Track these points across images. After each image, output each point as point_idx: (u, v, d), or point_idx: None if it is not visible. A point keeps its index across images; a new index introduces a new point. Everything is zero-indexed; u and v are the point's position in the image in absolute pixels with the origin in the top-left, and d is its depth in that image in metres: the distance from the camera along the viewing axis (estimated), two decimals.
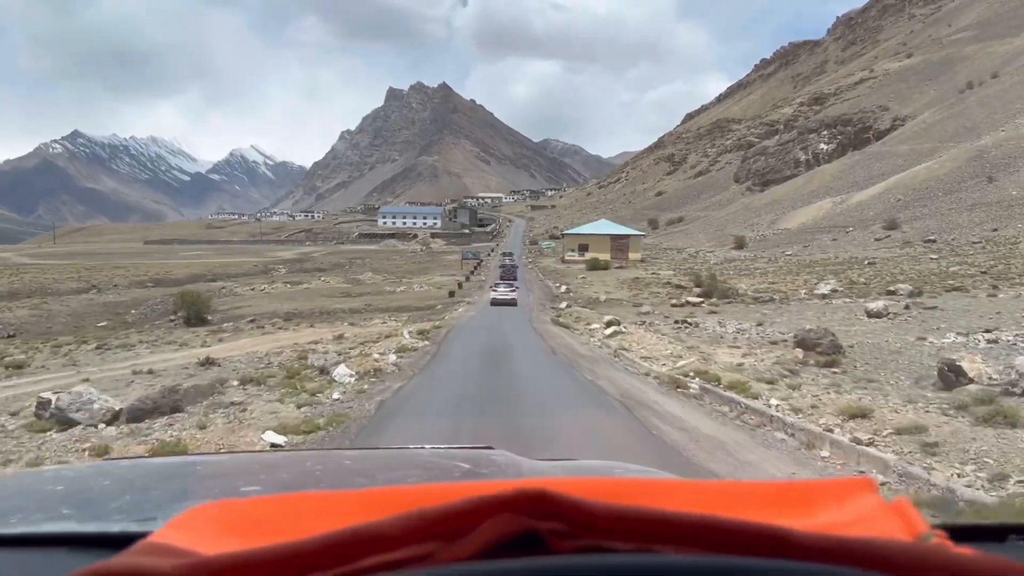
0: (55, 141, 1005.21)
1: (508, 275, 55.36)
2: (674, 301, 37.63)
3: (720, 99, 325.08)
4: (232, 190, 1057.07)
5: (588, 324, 28.50)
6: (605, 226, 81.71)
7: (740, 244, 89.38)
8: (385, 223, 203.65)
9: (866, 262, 56.70)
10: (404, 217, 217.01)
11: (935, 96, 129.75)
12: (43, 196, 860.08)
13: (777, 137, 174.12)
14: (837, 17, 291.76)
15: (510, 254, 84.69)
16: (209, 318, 40.02)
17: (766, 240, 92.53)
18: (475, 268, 73.59)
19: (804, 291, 39.05)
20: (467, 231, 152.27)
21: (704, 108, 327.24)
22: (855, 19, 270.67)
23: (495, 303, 40.52)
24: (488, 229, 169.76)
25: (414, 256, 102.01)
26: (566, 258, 78.23)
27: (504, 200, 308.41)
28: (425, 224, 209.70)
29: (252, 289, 56.25)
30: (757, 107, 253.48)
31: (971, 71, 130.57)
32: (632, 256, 75.68)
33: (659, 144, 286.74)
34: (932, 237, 67.64)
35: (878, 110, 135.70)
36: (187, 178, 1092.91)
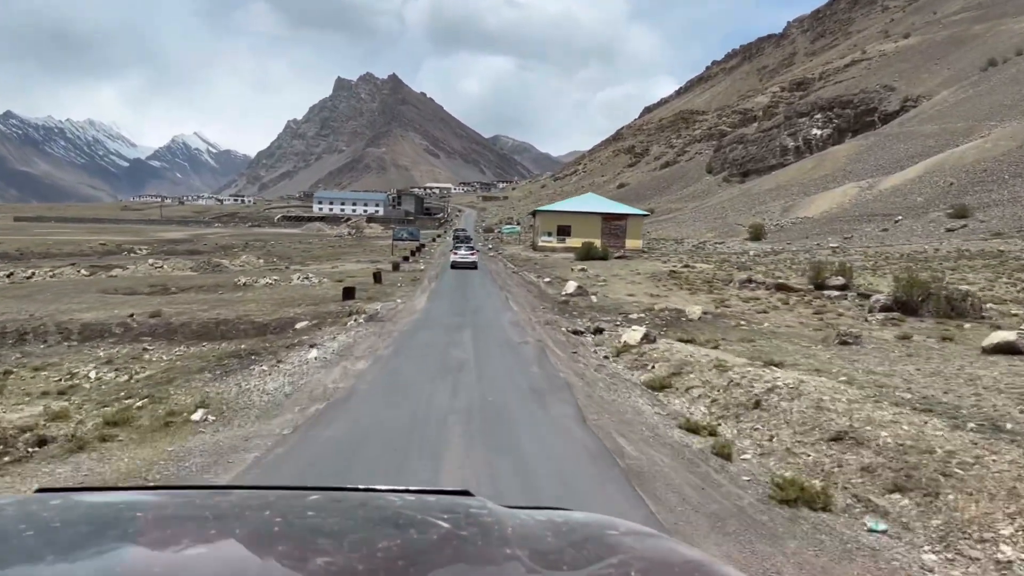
0: None
1: (464, 241, 48.74)
2: (846, 320, 15.76)
3: (680, 92, 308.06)
4: (173, 177, 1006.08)
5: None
6: (593, 202, 59.20)
7: (757, 234, 68.43)
8: (321, 209, 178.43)
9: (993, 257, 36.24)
10: (343, 203, 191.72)
11: (951, 75, 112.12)
12: None
13: (756, 125, 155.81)
14: (788, 22, 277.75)
15: (463, 230, 67.40)
16: None
17: (786, 230, 72.05)
18: (414, 253, 50.59)
19: None
20: (411, 218, 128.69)
21: (664, 101, 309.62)
22: (822, 13, 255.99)
23: (456, 266, 39.31)
24: (436, 216, 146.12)
25: (338, 240, 78.39)
26: (540, 244, 55.58)
27: (453, 191, 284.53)
28: (366, 211, 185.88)
29: (31, 276, 32.43)
30: (723, 98, 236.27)
31: (988, 49, 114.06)
32: (631, 243, 53.52)
33: (617, 136, 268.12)
34: None
35: (882, 90, 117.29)
36: (126, 164, 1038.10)
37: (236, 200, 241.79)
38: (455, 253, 40.95)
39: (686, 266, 37.78)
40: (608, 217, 54.87)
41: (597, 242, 49.96)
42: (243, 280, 26.59)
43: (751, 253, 49.57)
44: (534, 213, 61.71)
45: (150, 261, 35.48)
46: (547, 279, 31.09)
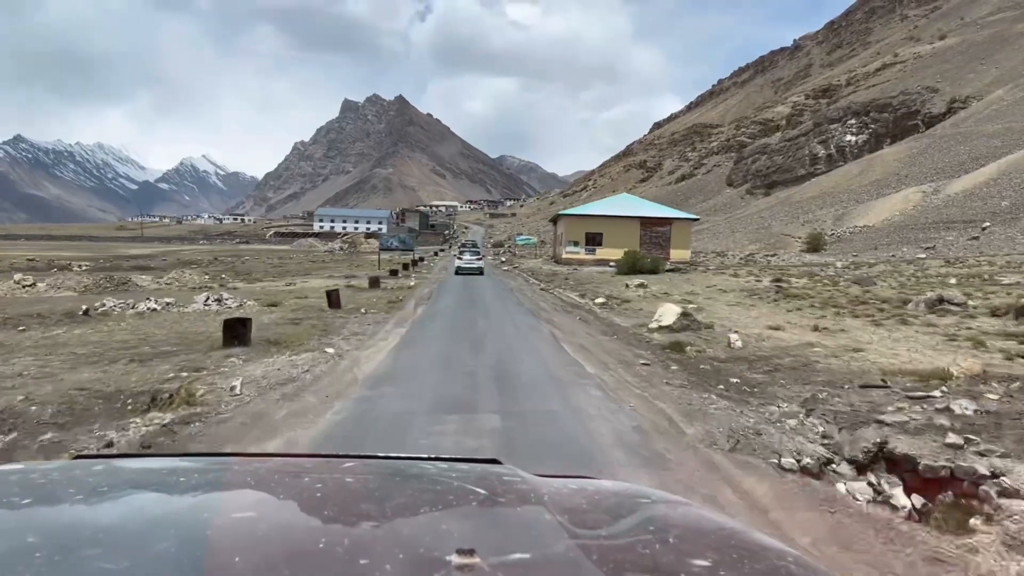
0: None
1: (470, 247, 46.31)
2: None
3: (691, 107, 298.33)
4: (181, 200, 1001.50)
5: None
6: (629, 204, 48.32)
7: (815, 245, 57.67)
8: (323, 226, 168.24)
9: None
10: (344, 221, 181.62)
11: (1001, 74, 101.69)
12: None
13: (780, 134, 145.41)
14: (794, 40, 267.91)
15: (471, 241, 60.78)
16: None
17: (845, 240, 61.11)
18: (406, 266, 39.77)
19: None
20: (415, 235, 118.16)
21: (673, 116, 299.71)
22: (837, 24, 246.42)
23: (460, 272, 37.10)
24: (441, 233, 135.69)
25: (326, 256, 67.78)
26: (565, 255, 44.68)
27: (460, 209, 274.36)
28: (368, 228, 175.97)
29: None
30: (737, 111, 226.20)
31: None
32: (677, 254, 42.67)
33: (628, 152, 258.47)
34: None
35: (925, 92, 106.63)
36: (135, 187, 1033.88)
37: (236, 219, 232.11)
38: (459, 259, 38.66)
39: (779, 280, 26.84)
40: (648, 222, 44.04)
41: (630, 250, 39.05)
42: (102, 306, 15.72)
43: (839, 265, 38.55)
44: (555, 219, 50.97)
45: (16, 277, 24.60)
46: (599, 299, 20.26)
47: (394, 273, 34.07)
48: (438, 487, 1.45)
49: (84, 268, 45.64)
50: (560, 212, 50.77)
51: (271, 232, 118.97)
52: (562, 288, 25.57)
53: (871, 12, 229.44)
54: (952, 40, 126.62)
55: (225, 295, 18.32)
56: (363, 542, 1.11)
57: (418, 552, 1.07)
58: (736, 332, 11.69)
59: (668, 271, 34.93)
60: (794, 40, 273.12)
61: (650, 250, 42.04)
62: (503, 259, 53.32)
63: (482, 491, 1.39)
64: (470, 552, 1.02)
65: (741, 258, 56.59)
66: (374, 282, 25.52)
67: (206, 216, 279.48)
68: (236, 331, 10.41)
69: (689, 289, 23.79)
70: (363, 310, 17.29)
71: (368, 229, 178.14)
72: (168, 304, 17.50)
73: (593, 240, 43.95)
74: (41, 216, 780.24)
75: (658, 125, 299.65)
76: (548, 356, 10.68)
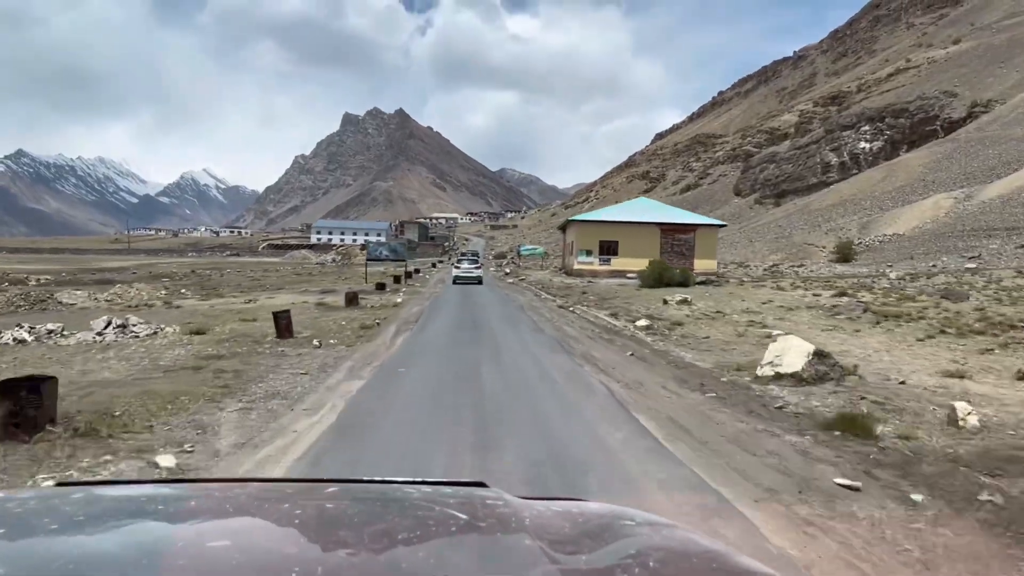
0: None
1: (469, 255, 44.94)
2: None
3: (693, 118, 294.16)
4: (182, 213, 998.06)
5: None
6: (647, 208, 43.39)
7: (845, 255, 52.90)
8: (320, 239, 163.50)
9: None
10: (342, 233, 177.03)
11: (1023, 77, 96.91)
12: None
13: (788, 143, 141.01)
14: (795, 51, 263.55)
15: (473, 251, 57.44)
16: None
17: (876, 249, 56.24)
18: (398, 280, 34.80)
19: None
20: (413, 246, 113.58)
21: (675, 128, 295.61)
22: (842, 33, 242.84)
23: (458, 281, 35.65)
24: (441, 244, 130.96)
25: (316, 268, 62.98)
26: (577, 266, 39.76)
27: (460, 221, 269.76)
28: (367, 240, 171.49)
29: None
30: (741, 121, 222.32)
31: None
32: (702, 264, 37.78)
33: (630, 163, 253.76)
34: None
35: (942, 96, 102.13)
36: (135, 200, 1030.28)
37: (233, 232, 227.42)
38: (458, 267, 37.48)
39: (844, 294, 21.94)
40: (669, 229, 39.17)
41: (647, 260, 34.22)
42: None
43: (892, 276, 33.58)
44: (565, 226, 46.09)
45: None
46: (640, 321, 15.43)
47: (381, 287, 29.20)
48: (419, 512, 1.43)
49: (40, 282, 40.93)
50: (571, 218, 45.80)
51: (264, 244, 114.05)
52: (585, 305, 20.71)
53: (876, 20, 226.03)
54: (967, 44, 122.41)
55: (134, 320, 13.40)
56: (337, 570, 1.09)
57: None
58: (922, 388, 6.66)
59: (699, 283, 29.97)
60: (794, 51, 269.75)
61: (671, 260, 37.13)
62: (507, 271, 48.53)
63: (463, 516, 1.37)
64: None
65: (765, 269, 51.69)
66: (351, 299, 20.59)
67: (203, 229, 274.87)
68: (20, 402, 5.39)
69: (744, 306, 18.87)
70: (319, 341, 12.33)
71: (367, 241, 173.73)
72: (51, 332, 12.56)
73: (608, 249, 39.05)
74: (42, 230, 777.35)
75: (660, 136, 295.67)
76: (629, 459, 5.63)
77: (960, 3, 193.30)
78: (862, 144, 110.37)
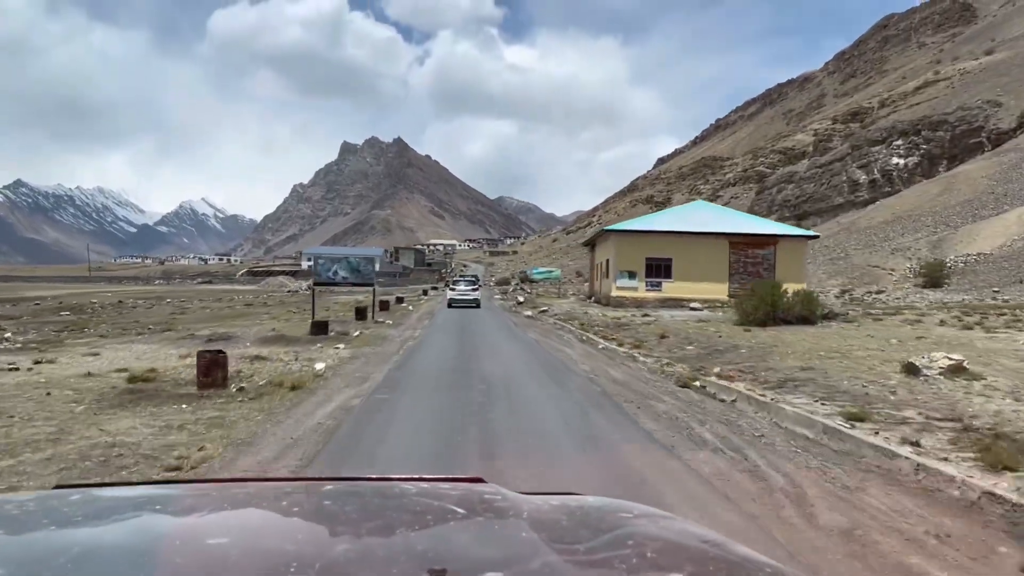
0: None
1: (466, 279, 41.54)
2: None
3: (697, 141, 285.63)
4: (180, 242, 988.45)
5: None
6: (709, 215, 32.49)
7: (935, 279, 42.26)
8: (310, 266, 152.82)
9: None
10: (334, 259, 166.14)
11: None
12: None
13: (807, 161, 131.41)
14: (801, 73, 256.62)
15: (473, 276, 51.68)
16: None
17: (963, 271, 45.63)
18: (362, 314, 24.19)
19: None
20: (407, 272, 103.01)
21: (678, 152, 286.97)
22: (849, 54, 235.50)
23: (454, 305, 32.77)
24: (437, 271, 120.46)
25: (289, 296, 52.32)
26: (615, 292, 28.91)
27: (459, 247, 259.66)
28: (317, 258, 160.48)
29: None
30: (748, 143, 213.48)
31: None
32: (791, 285, 26.51)
33: (632, 187, 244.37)
34: None
35: (986, 106, 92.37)
36: (134, 230, 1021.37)
37: (222, 260, 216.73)
38: (453, 289, 35.27)
39: None
40: (741, 241, 28.42)
41: (719, 286, 23.55)
42: None
43: None
44: (595, 240, 35.32)
45: None
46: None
47: (320, 329, 18.42)
48: (417, 508, 1.42)
49: None
50: (606, 228, 35.04)
51: (243, 271, 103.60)
52: (706, 364, 9.82)
53: (884, 41, 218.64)
54: (1003, 54, 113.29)
55: None
56: (335, 565, 1.09)
57: (390, 574, 1.06)
58: None
59: (823, 318, 19.17)
60: (791, 78, 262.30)
61: (743, 282, 26.39)
62: (520, 299, 37.84)
63: (461, 510, 1.37)
64: (441, 572, 1.01)
65: (837, 295, 41.00)
66: (209, 368, 9.58)
67: (192, 256, 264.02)
68: None
69: (984, 358, 7.77)
70: None
71: (312, 256, 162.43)
72: None
73: (658, 269, 28.44)
74: (39, 259, 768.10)
75: (662, 160, 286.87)
76: None
77: (973, 22, 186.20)
78: (895, 160, 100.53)
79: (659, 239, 29.32)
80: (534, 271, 55.52)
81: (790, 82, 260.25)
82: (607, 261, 30.96)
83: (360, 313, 24.73)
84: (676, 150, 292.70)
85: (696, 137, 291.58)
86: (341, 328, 20.74)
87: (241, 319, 26.28)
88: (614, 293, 28.91)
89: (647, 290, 28.21)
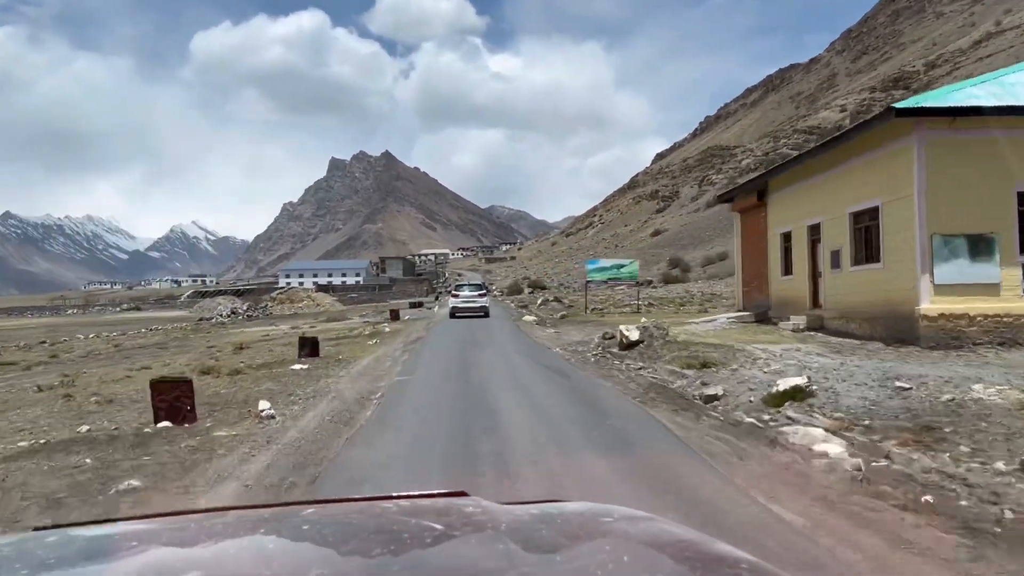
0: None
1: (470, 284, 38.03)
2: None
3: (696, 133, 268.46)
4: (172, 266, 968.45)
5: None
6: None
7: None
8: (289, 283, 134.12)
9: None
10: (315, 275, 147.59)
11: None
12: None
13: None
14: (780, 69, 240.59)
15: (478, 284, 38.51)
16: None
17: None
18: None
19: None
20: (390, 284, 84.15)
21: (678, 145, 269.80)
22: (856, 32, 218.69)
23: (456, 314, 30.14)
24: (429, 281, 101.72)
25: (213, 326, 33.59)
26: (935, 300, 10.15)
27: (451, 256, 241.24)
28: (343, 281, 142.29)
29: None
30: (756, 129, 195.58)
31: None
32: None
33: (633, 184, 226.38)
34: None
35: None
36: (125, 256, 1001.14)
37: (196, 281, 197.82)
38: (456, 296, 32.94)
39: None
40: None
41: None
42: None
43: None
44: (763, 188, 16.46)
45: None
46: None
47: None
48: (395, 527, 1.41)
49: None
50: (856, 124, 15.66)
51: (188, 293, 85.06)
52: None
53: (895, 14, 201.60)
54: None
55: None
56: None
57: None
58: None
59: None
60: (780, 68, 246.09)
61: None
62: (605, 338, 17.60)
63: (439, 526, 1.37)
64: None
65: None
66: None
67: (167, 279, 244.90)
68: None
69: None
70: None
71: (343, 281, 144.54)
72: None
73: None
74: (31, 290, 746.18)
75: (661, 156, 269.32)
76: None
77: None
78: None
79: None
80: (590, 268, 36.34)
81: (794, 66, 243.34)
82: (865, 216, 11.92)
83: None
84: (675, 144, 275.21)
85: (696, 129, 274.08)
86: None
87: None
88: (926, 306, 10.41)
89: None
